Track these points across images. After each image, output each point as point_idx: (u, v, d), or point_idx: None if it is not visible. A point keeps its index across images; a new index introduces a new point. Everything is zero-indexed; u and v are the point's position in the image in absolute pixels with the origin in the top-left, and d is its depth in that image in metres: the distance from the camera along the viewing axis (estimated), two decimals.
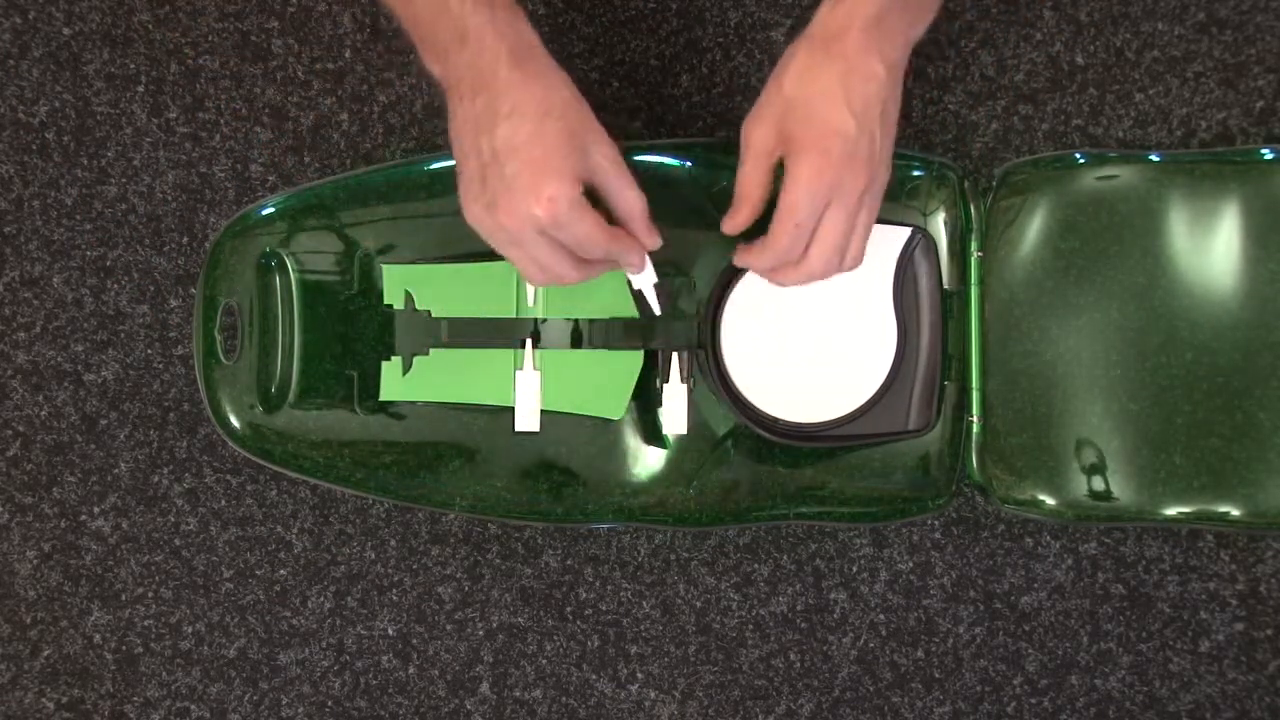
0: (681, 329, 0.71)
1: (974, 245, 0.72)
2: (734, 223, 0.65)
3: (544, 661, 0.78)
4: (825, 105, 0.60)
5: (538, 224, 0.58)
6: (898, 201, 0.72)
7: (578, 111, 0.60)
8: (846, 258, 0.64)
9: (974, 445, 0.73)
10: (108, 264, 0.78)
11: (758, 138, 0.62)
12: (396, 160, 0.75)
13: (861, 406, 0.71)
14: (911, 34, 0.63)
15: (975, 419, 0.72)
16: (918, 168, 0.72)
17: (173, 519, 0.78)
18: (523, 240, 0.60)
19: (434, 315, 0.72)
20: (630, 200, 0.62)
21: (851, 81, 0.60)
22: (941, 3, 0.64)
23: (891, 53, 0.61)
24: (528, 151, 0.58)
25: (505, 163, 0.58)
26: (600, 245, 0.61)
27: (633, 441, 0.72)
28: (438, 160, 0.72)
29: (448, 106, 0.61)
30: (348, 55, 0.77)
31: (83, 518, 0.78)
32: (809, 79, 0.61)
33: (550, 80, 0.60)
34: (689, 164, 0.71)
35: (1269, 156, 0.71)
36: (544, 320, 0.72)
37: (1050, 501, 0.72)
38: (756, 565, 0.77)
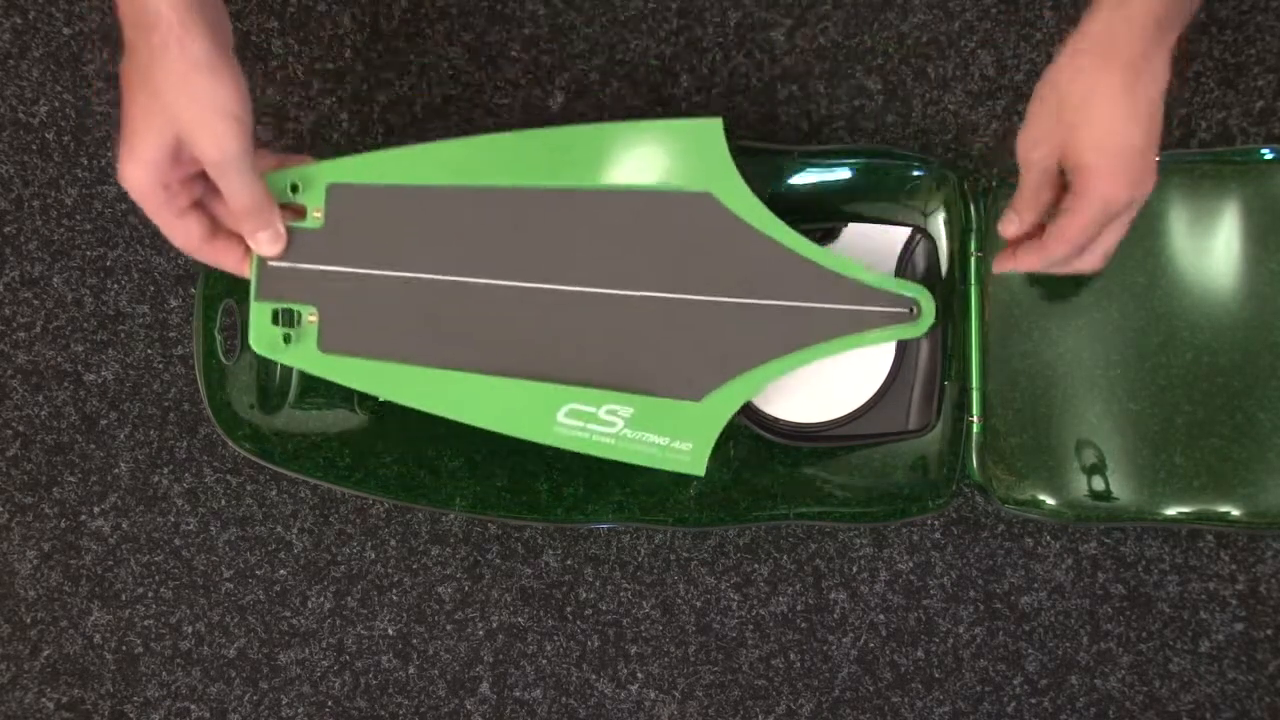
0: None
1: (974, 245, 0.72)
2: (1007, 231, 0.66)
3: (544, 661, 0.78)
4: (1115, 125, 0.59)
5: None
6: (898, 201, 0.72)
7: (187, 94, 0.57)
8: (1107, 255, 0.65)
9: (974, 445, 0.73)
10: (108, 264, 0.78)
11: (1038, 158, 0.62)
12: None
13: (862, 406, 0.71)
14: (1182, 28, 0.60)
15: (975, 419, 0.72)
16: (918, 168, 0.72)
17: (173, 519, 0.78)
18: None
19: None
20: (230, 195, 0.61)
21: (1138, 90, 0.58)
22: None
23: (1170, 49, 0.59)
24: (123, 120, 0.58)
25: (124, 110, 0.58)
26: (177, 241, 0.61)
27: None
28: None
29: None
30: (348, 55, 0.77)
31: (83, 518, 0.78)
32: (1093, 97, 0.59)
33: (164, 57, 0.57)
34: None
35: (1269, 156, 0.72)
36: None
37: (1050, 501, 0.72)
38: (756, 565, 0.77)
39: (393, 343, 0.65)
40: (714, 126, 0.65)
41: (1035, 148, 0.62)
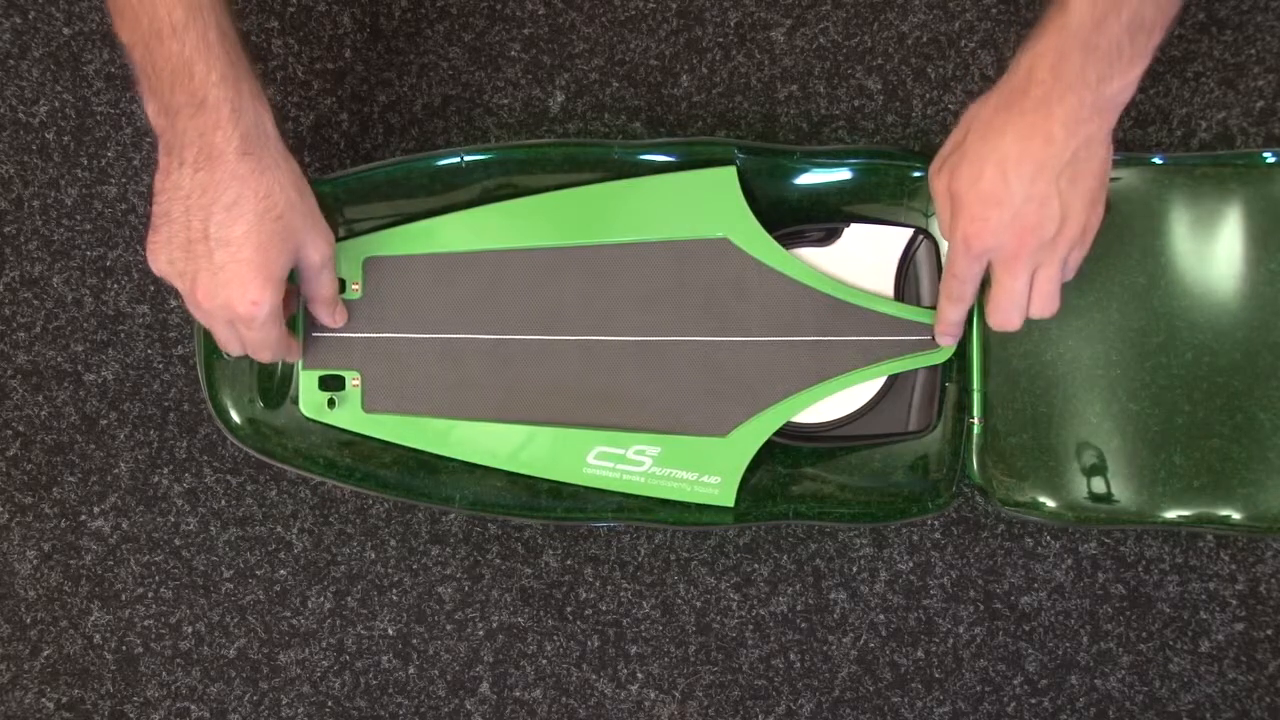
0: None
1: None
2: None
3: (544, 661, 0.78)
4: (991, 170, 0.59)
5: (231, 315, 0.61)
6: (898, 202, 0.72)
7: (300, 211, 0.61)
8: (1031, 309, 0.64)
9: (974, 446, 0.73)
10: (108, 264, 0.78)
11: (938, 186, 0.63)
12: (397, 158, 0.75)
13: (862, 407, 0.71)
14: (1105, 90, 0.57)
15: (976, 420, 0.72)
16: (918, 168, 0.72)
17: (173, 519, 0.78)
18: (210, 319, 0.62)
19: None
20: (323, 287, 0.66)
21: (1029, 145, 0.58)
22: (1141, 64, 0.57)
23: (1079, 109, 0.57)
24: (240, 249, 0.59)
25: (216, 250, 0.59)
26: (273, 351, 0.65)
27: None
28: (440, 158, 0.72)
29: (159, 156, 0.60)
30: (348, 55, 0.77)
31: (83, 518, 0.78)
32: (990, 136, 0.59)
33: (279, 176, 0.60)
34: None
35: (1270, 160, 0.71)
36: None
37: (1050, 503, 0.72)
38: (756, 565, 0.77)
39: (431, 400, 0.70)
40: (728, 174, 0.69)
41: (938, 172, 0.63)
